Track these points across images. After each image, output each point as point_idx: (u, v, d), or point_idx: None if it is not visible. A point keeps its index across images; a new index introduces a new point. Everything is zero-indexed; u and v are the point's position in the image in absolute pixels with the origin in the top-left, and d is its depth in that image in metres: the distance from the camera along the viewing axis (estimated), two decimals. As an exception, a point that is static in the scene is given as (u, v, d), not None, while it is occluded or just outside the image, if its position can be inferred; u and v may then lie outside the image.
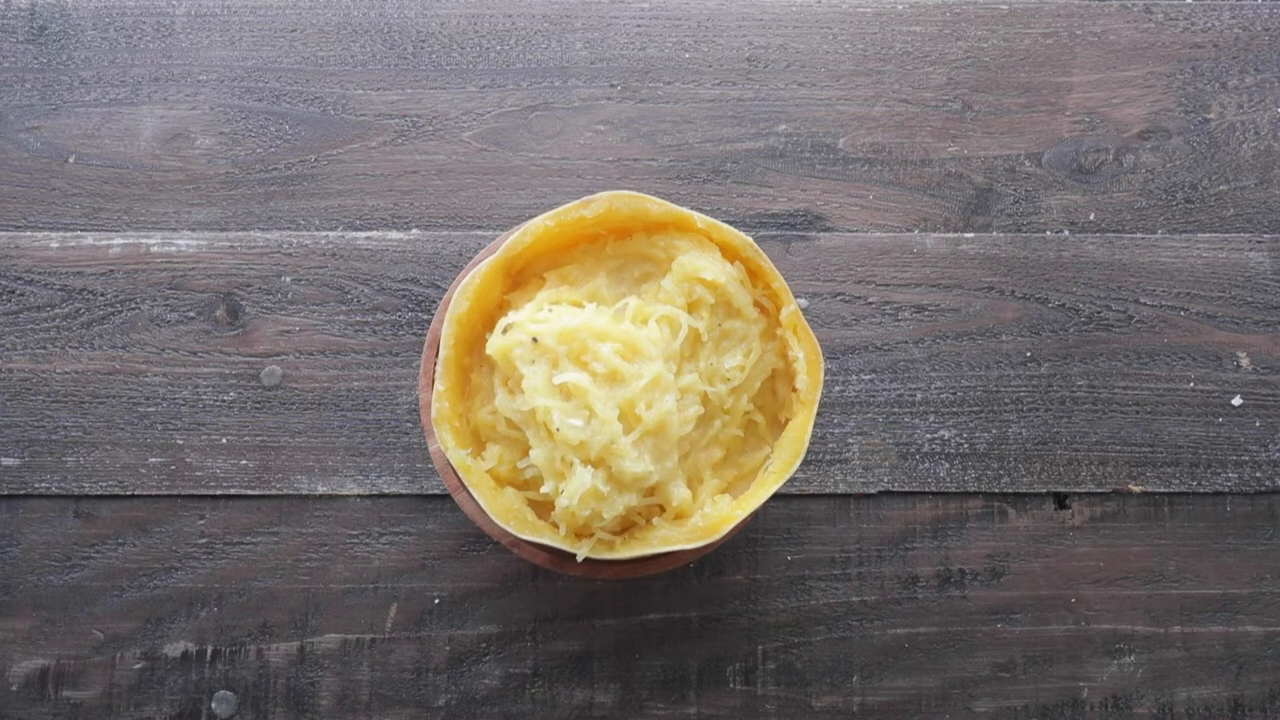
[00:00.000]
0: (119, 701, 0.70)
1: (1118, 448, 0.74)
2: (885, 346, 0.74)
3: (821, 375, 0.61)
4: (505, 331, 0.59)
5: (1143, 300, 0.75)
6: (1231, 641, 0.72)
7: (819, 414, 0.73)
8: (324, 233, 0.75)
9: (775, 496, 0.72)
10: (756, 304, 0.62)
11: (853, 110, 0.77)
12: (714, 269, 0.61)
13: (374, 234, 0.75)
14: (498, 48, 0.77)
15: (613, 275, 0.63)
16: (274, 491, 0.72)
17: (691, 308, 0.61)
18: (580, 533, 0.60)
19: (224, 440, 0.72)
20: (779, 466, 0.60)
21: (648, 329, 0.60)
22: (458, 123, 0.76)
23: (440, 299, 0.71)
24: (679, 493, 0.60)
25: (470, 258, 0.74)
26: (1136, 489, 0.73)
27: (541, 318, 0.58)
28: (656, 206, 0.62)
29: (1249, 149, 0.77)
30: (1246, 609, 0.72)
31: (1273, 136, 0.77)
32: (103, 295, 0.74)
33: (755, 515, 0.66)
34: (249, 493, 0.72)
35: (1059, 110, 0.77)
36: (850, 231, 0.76)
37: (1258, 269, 0.76)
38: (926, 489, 0.73)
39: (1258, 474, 0.73)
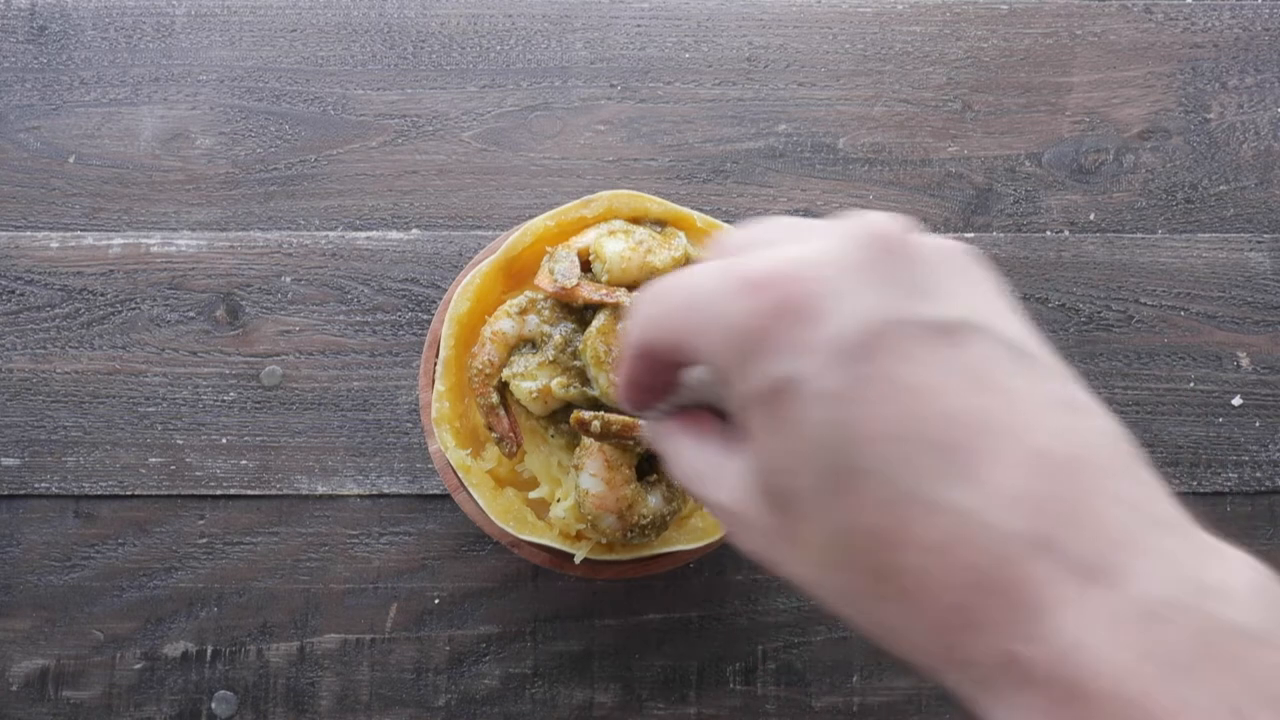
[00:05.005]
0: (119, 701, 0.70)
1: (1118, 448, 0.73)
2: (885, 346, 0.74)
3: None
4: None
5: (1143, 300, 0.75)
6: (1231, 641, 0.72)
7: (819, 414, 0.73)
8: (324, 233, 0.75)
9: (775, 496, 0.72)
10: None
11: (853, 110, 0.77)
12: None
13: (374, 234, 0.75)
14: (498, 48, 0.77)
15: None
16: (274, 491, 0.72)
17: None
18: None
19: (224, 440, 0.72)
20: (779, 466, 0.60)
21: None
22: (458, 123, 0.76)
23: (440, 299, 0.71)
24: (679, 493, 0.60)
25: (470, 258, 0.74)
26: (1136, 489, 0.73)
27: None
28: (656, 206, 0.62)
29: (1249, 149, 0.77)
30: (1246, 609, 0.72)
31: (1273, 136, 0.77)
32: (103, 295, 0.74)
33: (755, 515, 0.66)
34: (249, 493, 0.72)
35: (1059, 110, 0.77)
36: (850, 231, 0.76)
37: (1258, 269, 0.76)
38: (926, 489, 0.73)
39: (1258, 474, 0.73)
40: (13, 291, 0.74)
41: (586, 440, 0.57)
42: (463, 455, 0.59)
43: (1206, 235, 0.76)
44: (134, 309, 0.74)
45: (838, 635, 0.71)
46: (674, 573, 0.72)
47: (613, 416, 0.56)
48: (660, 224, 0.62)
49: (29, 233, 0.74)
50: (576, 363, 0.58)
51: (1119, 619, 0.28)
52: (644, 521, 0.57)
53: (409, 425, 0.73)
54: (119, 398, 0.73)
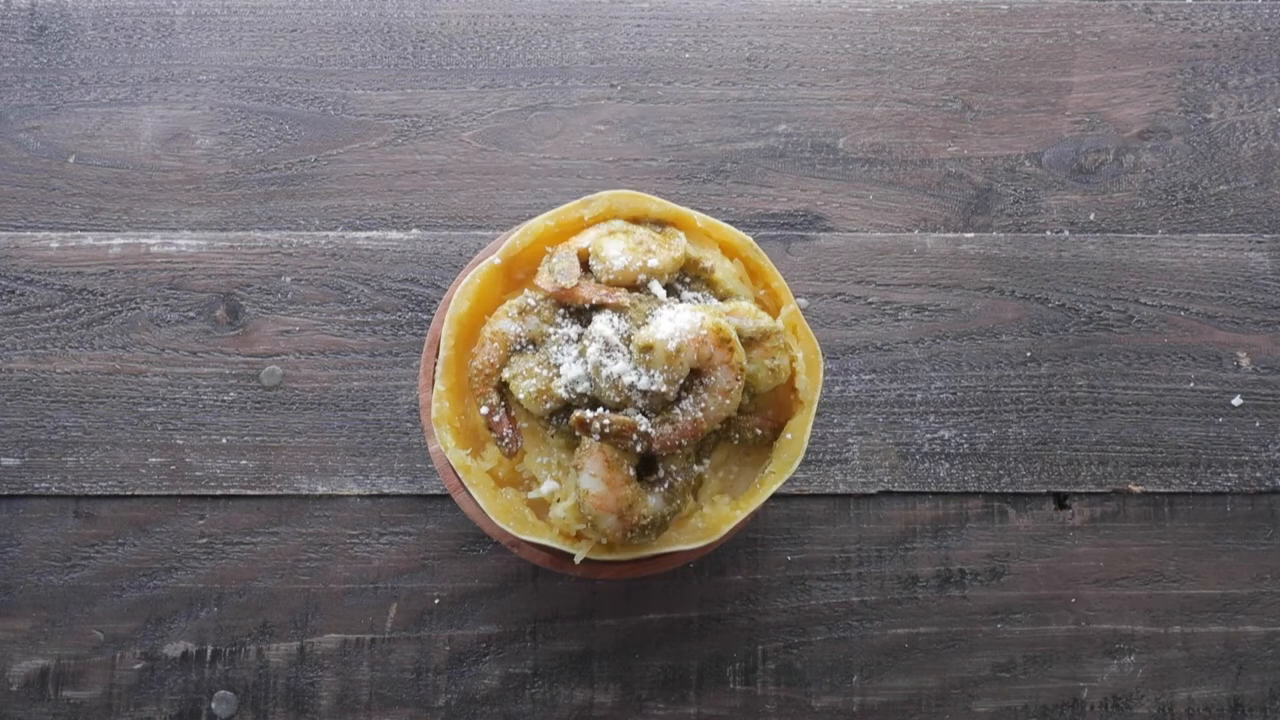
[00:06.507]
0: (119, 701, 0.70)
1: (1118, 448, 0.74)
2: (885, 346, 0.74)
3: (821, 375, 0.61)
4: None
5: (1143, 300, 0.75)
6: (1231, 641, 0.72)
7: (819, 414, 0.73)
8: (324, 233, 0.75)
9: (775, 496, 0.72)
10: (757, 303, 0.62)
11: (853, 110, 0.77)
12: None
13: (374, 234, 0.75)
14: (498, 48, 0.77)
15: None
16: (274, 491, 0.72)
17: None
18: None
19: (224, 440, 0.72)
20: (778, 467, 0.60)
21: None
22: (458, 123, 0.76)
23: (440, 299, 0.71)
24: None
25: (470, 258, 0.74)
26: (1136, 489, 0.73)
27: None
28: (656, 206, 0.62)
29: (1249, 149, 0.77)
30: (1246, 609, 0.72)
31: (1273, 136, 0.77)
32: (103, 295, 0.74)
33: (755, 515, 0.66)
34: (249, 493, 0.72)
35: (1059, 110, 0.77)
36: (850, 231, 0.76)
37: (1258, 269, 0.76)
38: (926, 489, 0.73)
39: (1258, 474, 0.73)
40: (13, 291, 0.74)
41: (586, 440, 0.57)
42: (463, 455, 0.59)
43: (1206, 235, 0.76)
44: (134, 309, 0.74)
45: (838, 635, 0.71)
46: (674, 573, 0.72)
47: (613, 416, 0.56)
48: (660, 224, 0.62)
49: (29, 233, 0.74)
50: (577, 362, 0.58)
51: None
52: (644, 522, 0.57)
53: (409, 425, 0.73)
54: (119, 398, 0.73)
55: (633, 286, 0.59)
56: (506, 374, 0.59)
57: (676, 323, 0.56)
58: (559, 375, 0.58)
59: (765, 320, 0.59)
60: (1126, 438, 0.74)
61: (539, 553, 0.62)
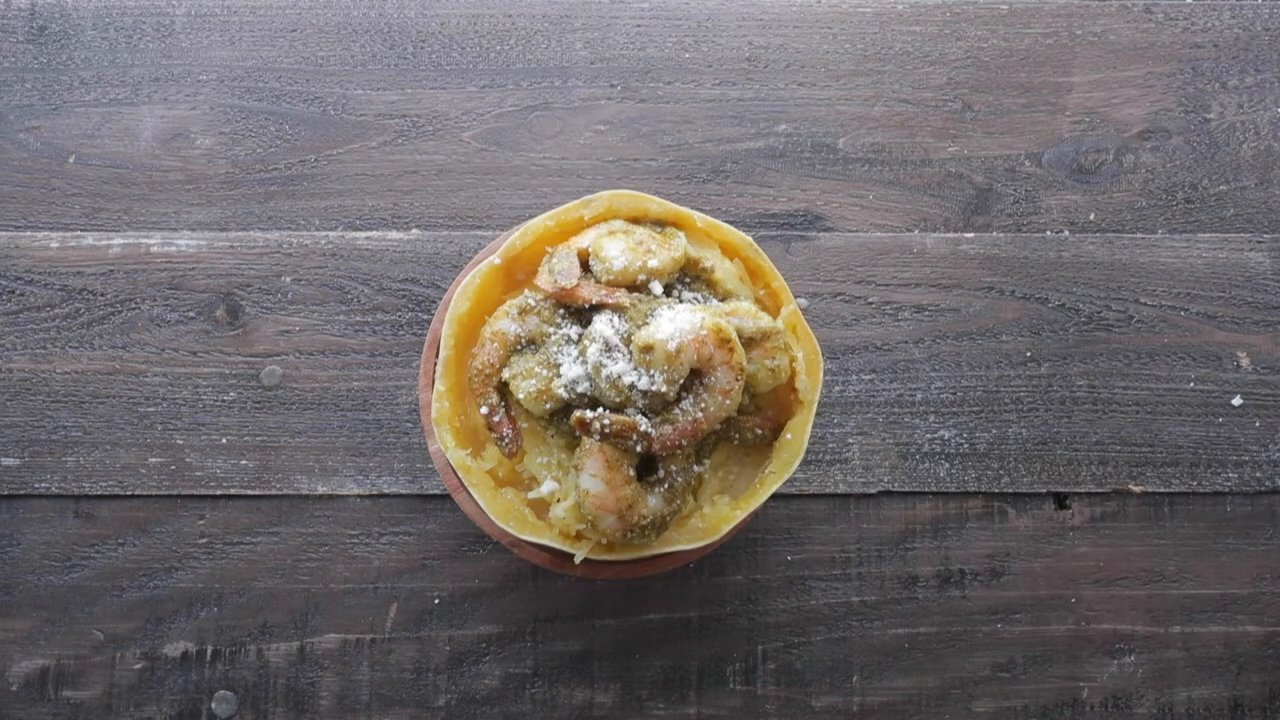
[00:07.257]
0: (119, 701, 0.70)
1: (1118, 448, 0.74)
2: (885, 346, 0.74)
3: (821, 375, 0.61)
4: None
5: (1143, 300, 0.75)
6: (1231, 641, 0.72)
7: (819, 414, 0.73)
8: (324, 233, 0.75)
9: (775, 496, 0.72)
10: (757, 302, 0.62)
11: (853, 110, 0.77)
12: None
13: (374, 234, 0.75)
14: (498, 48, 0.77)
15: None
16: (274, 491, 0.72)
17: None
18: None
19: (224, 440, 0.72)
20: (778, 467, 0.60)
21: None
22: (458, 123, 0.76)
23: (440, 299, 0.71)
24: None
25: (470, 258, 0.74)
26: (1136, 489, 0.73)
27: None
28: (656, 206, 0.62)
29: (1249, 149, 0.77)
30: (1246, 609, 0.72)
31: (1273, 136, 0.77)
32: (103, 295, 0.74)
33: (755, 515, 0.66)
34: (249, 493, 0.72)
35: (1059, 110, 0.77)
36: (850, 231, 0.76)
37: (1258, 269, 0.76)
38: (926, 489, 0.73)
39: (1258, 474, 0.73)
40: (13, 291, 0.74)
41: (586, 440, 0.57)
42: (463, 455, 0.59)
43: (1206, 235, 0.76)
44: (134, 309, 0.74)
45: (838, 635, 0.71)
46: (674, 573, 0.72)
47: (613, 416, 0.56)
48: (660, 224, 0.62)
49: (29, 233, 0.74)
50: (577, 362, 0.58)
51: None
52: (644, 522, 0.57)
53: (409, 425, 0.73)
54: (119, 398, 0.73)
55: (633, 286, 0.59)
56: (506, 374, 0.59)
57: (676, 323, 0.56)
58: (559, 375, 0.58)
59: (765, 320, 0.59)
60: (1126, 438, 0.74)
61: (539, 553, 0.62)
